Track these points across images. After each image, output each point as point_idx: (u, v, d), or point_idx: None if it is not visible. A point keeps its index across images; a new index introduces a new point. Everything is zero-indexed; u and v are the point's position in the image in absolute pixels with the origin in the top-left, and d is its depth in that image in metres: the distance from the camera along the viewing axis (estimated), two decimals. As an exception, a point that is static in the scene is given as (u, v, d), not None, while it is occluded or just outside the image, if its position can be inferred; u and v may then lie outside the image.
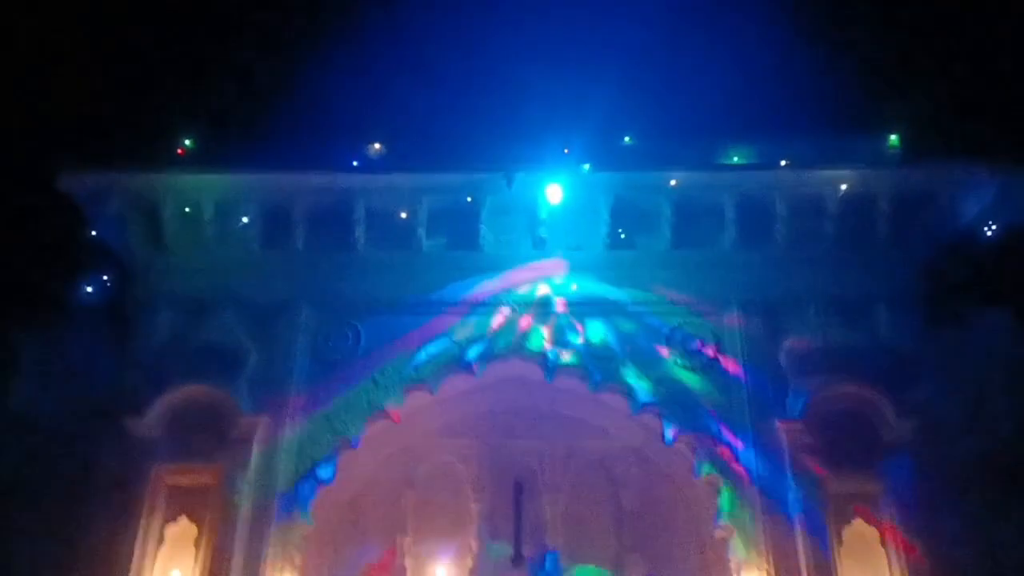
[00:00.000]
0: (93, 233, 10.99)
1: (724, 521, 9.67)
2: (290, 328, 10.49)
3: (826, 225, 10.59)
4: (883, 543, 9.34)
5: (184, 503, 9.57)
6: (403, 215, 10.85)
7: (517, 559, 10.33)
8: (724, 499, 9.69)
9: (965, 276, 10.72)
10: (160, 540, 9.46)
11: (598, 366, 10.37)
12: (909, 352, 10.09)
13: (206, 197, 10.79)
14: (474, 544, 10.46)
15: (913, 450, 9.53)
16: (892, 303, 10.39)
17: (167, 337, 10.44)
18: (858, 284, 10.49)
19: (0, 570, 9.30)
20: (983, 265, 10.71)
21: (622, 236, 10.75)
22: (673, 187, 10.54)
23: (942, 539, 9.15)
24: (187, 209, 10.80)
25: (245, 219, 10.83)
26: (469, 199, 10.78)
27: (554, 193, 10.57)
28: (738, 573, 9.47)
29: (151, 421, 9.73)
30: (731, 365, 10.25)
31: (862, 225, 10.59)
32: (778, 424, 9.82)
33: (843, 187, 10.48)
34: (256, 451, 9.77)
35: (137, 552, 9.30)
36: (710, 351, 10.32)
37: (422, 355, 10.39)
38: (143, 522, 9.43)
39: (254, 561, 9.34)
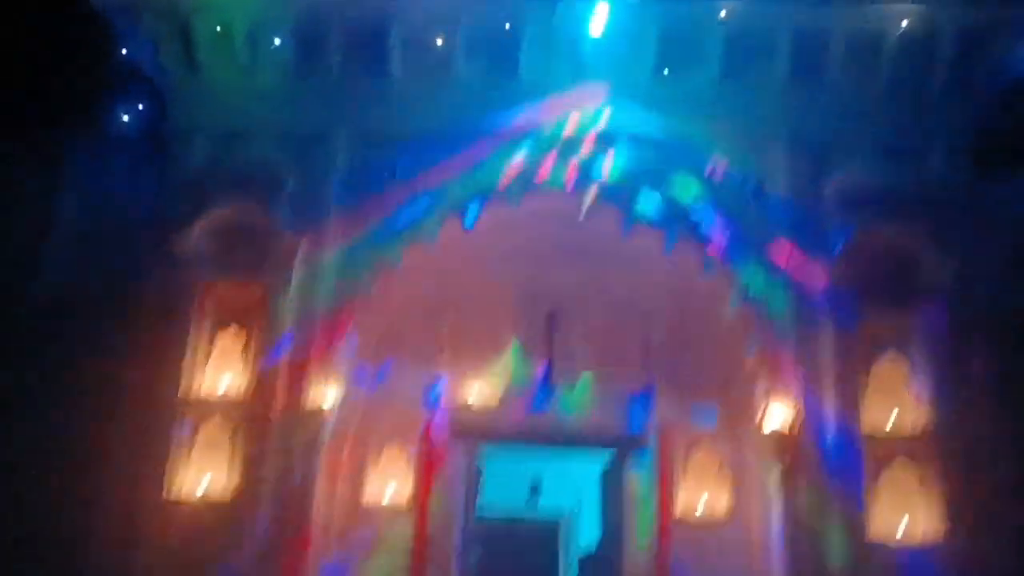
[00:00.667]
0: (124, 52, 10.85)
1: (754, 355, 9.92)
2: (327, 155, 10.49)
3: (883, 63, 10.19)
4: (910, 379, 9.58)
5: (231, 316, 9.97)
6: (439, 41, 10.54)
7: (549, 382, 10.74)
8: (756, 334, 9.90)
9: (1020, 124, 10.46)
10: (209, 350, 9.91)
11: (636, 200, 10.34)
12: (956, 198, 9.95)
13: (238, 17, 10.49)
14: (508, 366, 10.86)
15: (949, 293, 9.59)
16: (943, 147, 10.18)
17: (206, 161, 10.49)
18: (910, 125, 10.25)
19: (53, 387, 9.75)
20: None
21: (667, 67, 10.38)
22: (724, 17, 10.06)
23: (967, 378, 9.35)
24: (218, 28, 10.55)
25: (277, 40, 10.57)
26: (508, 25, 10.40)
27: (598, 20, 10.13)
28: (765, 404, 9.75)
29: (195, 239, 9.97)
30: (773, 203, 10.17)
31: (920, 65, 10.18)
32: (817, 262, 9.85)
33: (904, 23, 9.98)
34: (297, 270, 10.03)
35: (188, 361, 9.75)
36: (752, 188, 10.22)
37: (458, 185, 10.37)
38: (192, 334, 9.85)
39: (300, 369, 9.75)
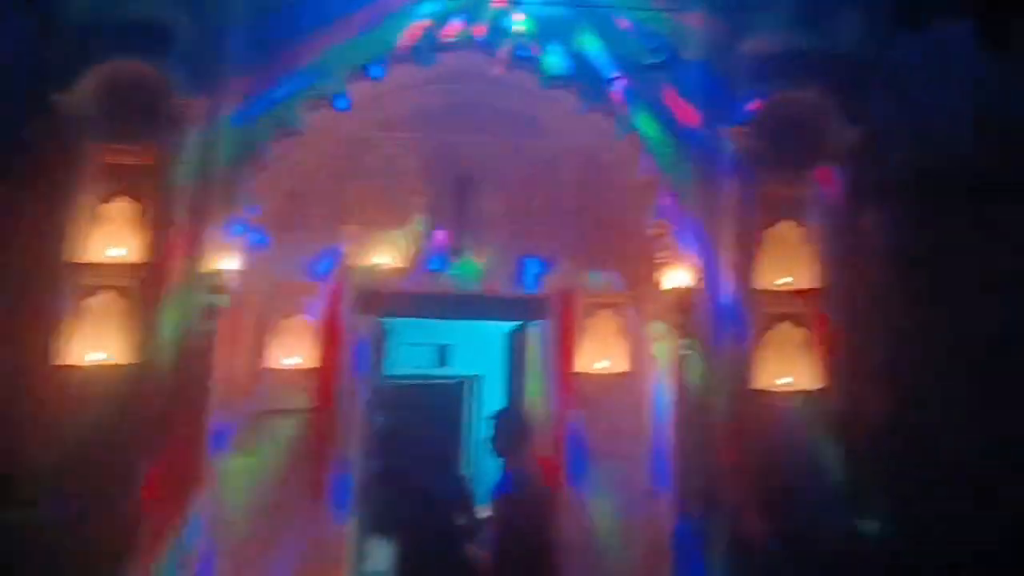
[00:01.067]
0: None
1: (659, 219, 10.08)
2: (224, 4, 9.74)
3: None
4: (803, 243, 9.80)
5: (123, 182, 9.33)
6: None
7: (458, 250, 10.71)
8: (662, 198, 10.02)
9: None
10: (100, 214, 9.29)
11: (551, 61, 10.09)
12: (867, 60, 9.94)
13: None
14: (416, 235, 10.71)
15: (852, 159, 9.75)
16: (859, 5, 10.04)
17: (90, 7, 9.51)
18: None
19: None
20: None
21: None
22: None
23: (861, 241, 9.69)
24: None
25: None
26: None
27: None
28: (666, 267, 10.04)
29: (81, 97, 9.18)
30: (687, 66, 10.08)
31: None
32: (725, 128, 9.90)
33: None
34: (193, 133, 9.45)
35: (77, 225, 9.17)
36: (668, 51, 10.08)
37: (366, 41, 9.86)
38: (81, 197, 9.23)
39: (197, 242, 9.39)
